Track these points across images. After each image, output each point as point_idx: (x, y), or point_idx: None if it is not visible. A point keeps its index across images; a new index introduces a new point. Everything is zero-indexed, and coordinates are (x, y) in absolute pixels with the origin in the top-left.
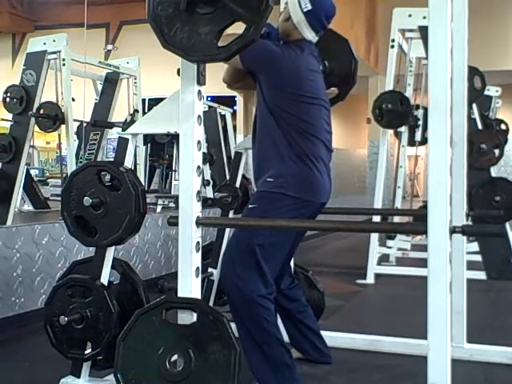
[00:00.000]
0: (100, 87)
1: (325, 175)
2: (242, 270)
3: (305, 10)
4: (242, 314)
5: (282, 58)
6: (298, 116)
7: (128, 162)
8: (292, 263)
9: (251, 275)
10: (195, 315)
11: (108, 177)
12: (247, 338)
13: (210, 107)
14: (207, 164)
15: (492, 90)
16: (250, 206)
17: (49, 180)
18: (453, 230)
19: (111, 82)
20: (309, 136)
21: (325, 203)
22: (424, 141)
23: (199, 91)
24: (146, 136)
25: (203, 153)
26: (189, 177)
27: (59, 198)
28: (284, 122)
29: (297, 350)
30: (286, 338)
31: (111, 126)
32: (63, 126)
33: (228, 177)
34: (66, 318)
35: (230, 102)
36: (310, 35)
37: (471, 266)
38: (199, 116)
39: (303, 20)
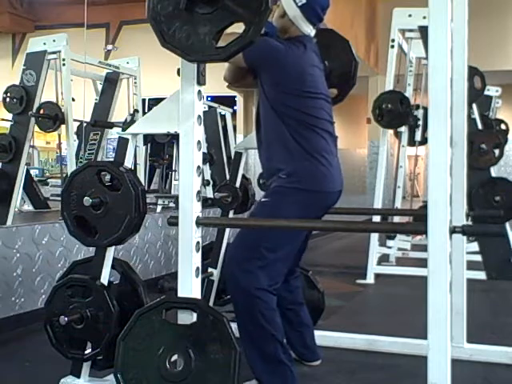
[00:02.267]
0: (100, 87)
1: (334, 168)
2: (245, 261)
3: (299, 3)
4: (240, 308)
5: (287, 55)
6: (303, 111)
7: (128, 162)
8: None
9: (253, 267)
10: (195, 315)
11: (108, 177)
12: (245, 333)
13: (210, 107)
14: (207, 164)
15: (492, 90)
16: (262, 199)
17: (49, 180)
18: (453, 230)
19: (111, 82)
20: (316, 129)
21: (340, 191)
22: (424, 141)
23: (199, 91)
24: (146, 136)
25: (203, 153)
26: (189, 177)
27: (59, 198)
28: (289, 118)
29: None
30: None
31: (111, 126)
32: (63, 126)
33: (228, 177)
34: (66, 318)
35: (230, 101)
36: (308, 29)
37: (471, 265)
38: (199, 116)
39: (299, 14)
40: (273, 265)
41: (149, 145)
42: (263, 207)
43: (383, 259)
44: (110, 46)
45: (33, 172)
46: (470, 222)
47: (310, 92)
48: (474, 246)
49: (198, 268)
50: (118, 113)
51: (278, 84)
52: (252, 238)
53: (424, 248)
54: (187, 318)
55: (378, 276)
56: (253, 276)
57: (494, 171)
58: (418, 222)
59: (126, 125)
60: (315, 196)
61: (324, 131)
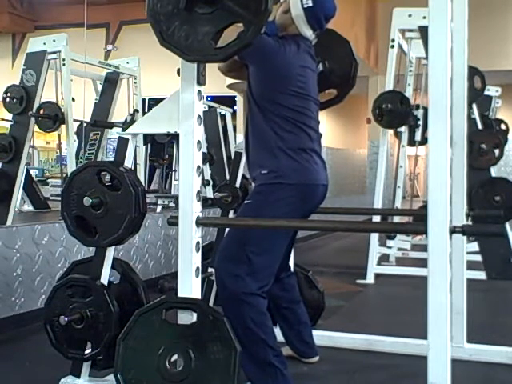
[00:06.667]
0: (100, 87)
1: (317, 164)
2: (232, 266)
3: (305, 6)
4: (229, 313)
5: (277, 53)
6: (289, 107)
7: (128, 162)
8: (292, 262)
9: (241, 272)
10: (195, 315)
11: (108, 177)
12: (235, 336)
13: (210, 107)
14: (207, 164)
15: (492, 90)
16: (246, 201)
17: (49, 180)
18: (453, 230)
19: (111, 82)
20: (301, 125)
21: (326, 186)
22: (424, 141)
23: (199, 91)
24: (145, 136)
25: (203, 153)
26: (189, 177)
27: (59, 198)
28: (273, 114)
29: (287, 344)
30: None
31: (111, 126)
32: (63, 126)
33: (228, 177)
34: (66, 318)
35: (230, 101)
36: (307, 32)
37: (471, 265)
38: (199, 116)
39: (302, 16)
40: (260, 268)
41: (149, 145)
42: (246, 209)
43: (383, 259)
44: (110, 46)
45: (33, 172)
46: (469, 222)
47: (297, 92)
48: (474, 246)
49: (197, 268)
50: (118, 113)
51: (266, 80)
52: (238, 242)
53: (424, 248)
54: (187, 318)
55: (378, 276)
56: (240, 281)
57: (494, 171)
58: (418, 221)
59: (125, 125)
60: (299, 189)
61: (309, 128)
